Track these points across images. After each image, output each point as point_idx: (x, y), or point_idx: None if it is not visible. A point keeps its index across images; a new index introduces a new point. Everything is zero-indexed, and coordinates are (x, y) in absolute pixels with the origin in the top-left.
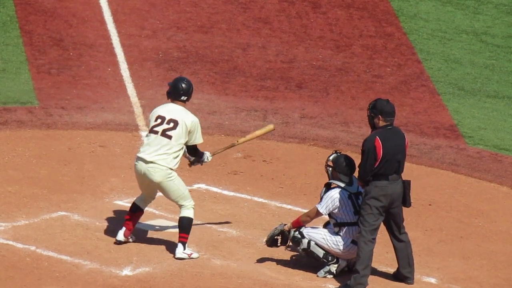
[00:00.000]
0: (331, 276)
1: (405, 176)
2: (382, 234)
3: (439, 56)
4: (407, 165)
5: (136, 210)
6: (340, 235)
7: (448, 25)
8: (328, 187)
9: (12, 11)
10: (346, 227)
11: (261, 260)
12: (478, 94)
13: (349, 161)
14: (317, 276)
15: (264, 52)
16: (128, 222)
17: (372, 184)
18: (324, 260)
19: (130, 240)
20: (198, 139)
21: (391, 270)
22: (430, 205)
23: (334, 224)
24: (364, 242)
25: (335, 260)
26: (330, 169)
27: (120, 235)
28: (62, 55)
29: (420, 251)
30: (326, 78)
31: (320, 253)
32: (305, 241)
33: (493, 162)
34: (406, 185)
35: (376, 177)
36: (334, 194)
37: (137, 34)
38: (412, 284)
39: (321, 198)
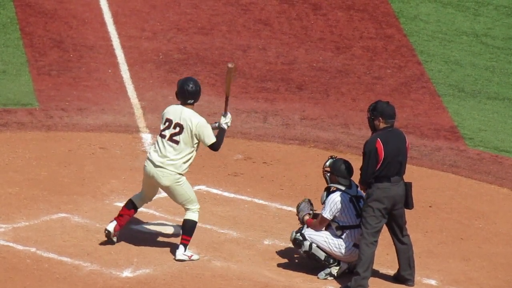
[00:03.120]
0: (332, 278)
1: (405, 178)
2: (383, 235)
3: (440, 58)
4: (407, 167)
5: (130, 208)
6: (342, 238)
7: (449, 27)
8: (328, 191)
9: (13, 13)
10: (348, 230)
11: (262, 262)
12: (478, 96)
13: (347, 164)
14: (318, 278)
15: (265, 53)
16: (121, 217)
17: (374, 186)
18: (326, 262)
19: (115, 238)
20: (208, 140)
21: (392, 271)
22: (430, 206)
23: (337, 227)
24: (366, 244)
25: (336, 262)
26: (328, 174)
27: (111, 226)
28: (63, 57)
29: (420, 252)
30: (327, 80)
31: (322, 255)
32: (306, 243)
33: (493, 164)
34: (408, 187)
35: (378, 179)
36: (336, 198)
37: (137, 36)
38: (413, 286)
39: (324, 203)
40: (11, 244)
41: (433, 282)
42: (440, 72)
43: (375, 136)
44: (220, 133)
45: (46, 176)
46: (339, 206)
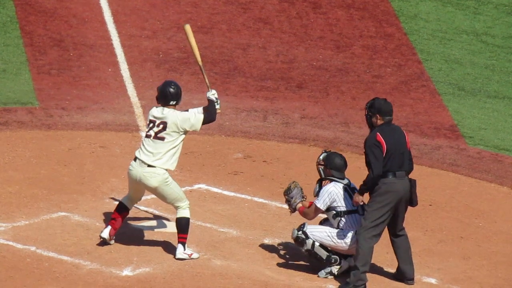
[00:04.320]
0: (332, 277)
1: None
2: (383, 234)
3: (440, 57)
4: None
5: (122, 210)
6: (341, 227)
7: (449, 26)
8: (320, 183)
9: (13, 12)
10: (346, 216)
11: (262, 261)
12: (478, 95)
13: (341, 157)
14: (318, 276)
15: (264, 52)
16: (114, 221)
17: (380, 182)
18: (327, 262)
19: (112, 242)
20: (197, 124)
21: (392, 270)
22: (430, 205)
23: (334, 215)
24: (364, 239)
25: (338, 261)
26: (322, 167)
27: (106, 233)
28: (63, 56)
29: (420, 251)
30: (327, 79)
31: (324, 255)
32: (309, 242)
33: (493, 163)
34: (413, 183)
35: (383, 174)
36: (330, 188)
37: (137, 35)
38: (413, 284)
39: (317, 194)
40: (11, 243)
41: (433, 280)
42: (440, 71)
43: (374, 131)
44: (210, 104)
45: (46, 175)
46: (333, 196)
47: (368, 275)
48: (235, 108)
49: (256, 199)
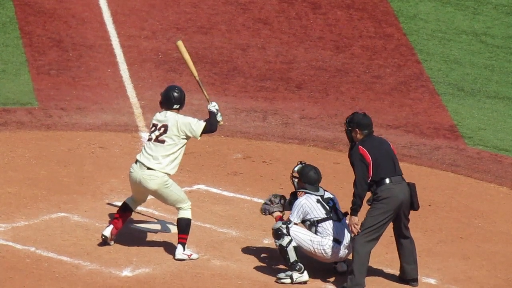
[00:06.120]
0: (289, 282)
1: (404, 177)
2: (382, 235)
3: (439, 57)
4: (406, 165)
5: (125, 210)
6: (319, 235)
7: (448, 26)
8: (294, 196)
9: (12, 12)
10: (321, 224)
11: (261, 261)
12: (477, 95)
13: (315, 170)
14: (277, 277)
15: (264, 52)
16: (117, 221)
17: (378, 190)
18: (292, 266)
19: (112, 242)
20: (198, 129)
21: (391, 270)
22: (430, 205)
23: (309, 225)
24: (360, 243)
25: (302, 270)
26: (296, 179)
27: (108, 231)
28: (62, 56)
29: (420, 251)
30: (326, 79)
31: (292, 258)
32: (287, 238)
33: (493, 163)
34: (412, 187)
35: (378, 183)
36: (302, 201)
37: (136, 35)
38: (417, 286)
39: (290, 204)
40: (10, 244)
41: (432, 281)
42: (439, 71)
43: (357, 145)
44: (210, 115)
45: (46, 175)
46: (305, 208)
47: (368, 276)
48: (235, 108)
49: (255, 199)
